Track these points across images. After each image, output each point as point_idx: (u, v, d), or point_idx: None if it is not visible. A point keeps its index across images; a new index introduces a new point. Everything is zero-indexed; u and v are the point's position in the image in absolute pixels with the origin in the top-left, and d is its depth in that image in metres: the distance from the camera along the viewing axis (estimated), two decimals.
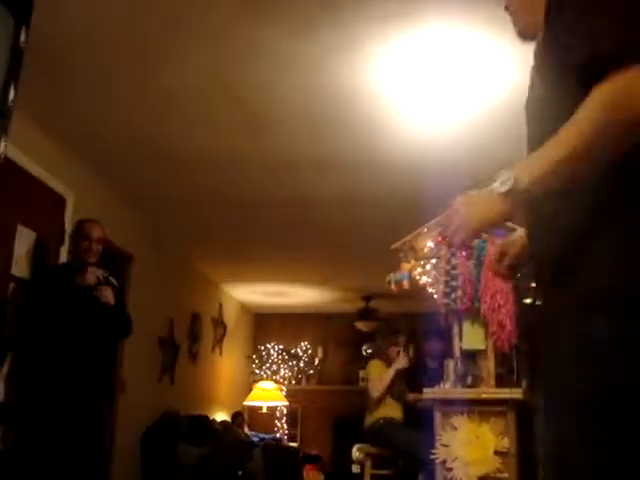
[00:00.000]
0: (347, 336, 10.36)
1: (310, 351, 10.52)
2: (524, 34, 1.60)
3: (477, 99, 4.01)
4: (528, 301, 4.95)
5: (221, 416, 8.46)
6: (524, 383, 4.48)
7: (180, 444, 6.30)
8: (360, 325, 9.64)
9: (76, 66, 3.77)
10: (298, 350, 10.49)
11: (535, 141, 1.36)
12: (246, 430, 8.41)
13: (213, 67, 3.78)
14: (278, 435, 9.25)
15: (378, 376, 5.55)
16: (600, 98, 1.18)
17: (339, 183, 5.26)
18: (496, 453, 3.94)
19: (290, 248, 7.30)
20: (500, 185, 1.29)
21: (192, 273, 8.06)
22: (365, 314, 9.56)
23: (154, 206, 6.08)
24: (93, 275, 4.08)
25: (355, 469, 8.01)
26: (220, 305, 9.13)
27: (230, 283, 9.05)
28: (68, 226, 4.79)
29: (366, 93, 3.99)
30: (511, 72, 3.67)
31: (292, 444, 9.05)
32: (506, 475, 3.98)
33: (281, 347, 10.47)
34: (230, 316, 9.54)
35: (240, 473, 6.06)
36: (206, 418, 7.18)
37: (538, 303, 4.28)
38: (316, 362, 10.53)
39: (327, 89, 3.96)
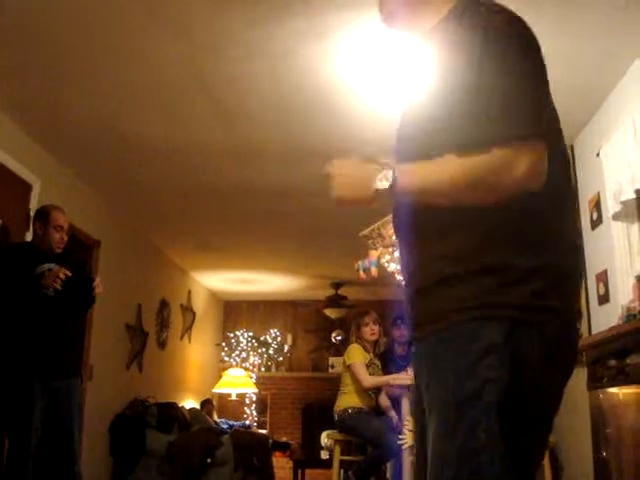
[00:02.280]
0: (316, 323, 10.39)
1: (279, 338, 10.53)
2: (390, 21, 1.65)
3: None
4: None
5: (190, 403, 8.45)
6: None
7: (149, 431, 6.28)
8: (329, 312, 9.67)
9: (45, 54, 3.72)
10: (267, 337, 10.49)
11: (405, 138, 1.51)
12: (215, 417, 8.40)
13: (182, 56, 3.76)
14: (247, 422, 9.25)
15: (362, 362, 5.48)
16: (489, 161, 1.29)
17: (308, 172, 5.25)
18: None
19: (259, 236, 7.28)
20: (381, 181, 1.39)
21: (160, 259, 8.01)
22: (334, 301, 9.58)
23: (122, 193, 6.03)
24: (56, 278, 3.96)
25: (324, 455, 8.07)
26: (189, 292, 9.09)
27: (199, 270, 9.02)
28: (34, 213, 4.73)
29: (337, 81, 3.99)
30: None
31: (261, 431, 9.06)
32: None
33: (250, 334, 10.46)
34: (199, 303, 9.51)
35: (209, 460, 6.05)
36: (175, 405, 7.16)
37: None
38: (285, 349, 10.54)
39: (297, 78, 3.95)
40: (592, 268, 4.36)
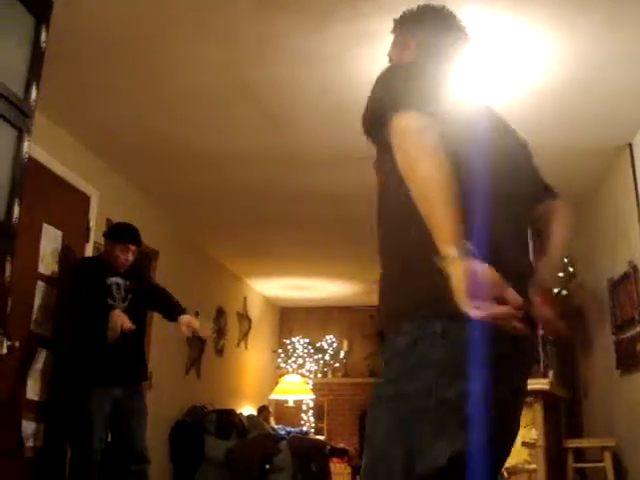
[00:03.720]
0: (372, 328, 10.34)
1: (335, 344, 10.52)
2: None
3: (505, 87, 3.95)
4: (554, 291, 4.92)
5: (248, 410, 8.50)
6: (551, 374, 4.45)
7: (207, 437, 6.34)
8: None
9: (96, 65, 3.80)
10: (323, 343, 10.50)
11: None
12: (272, 423, 8.44)
13: (229, 64, 3.79)
14: (305, 428, 9.27)
15: None
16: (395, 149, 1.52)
17: (363, 177, 5.21)
18: (524, 444, 3.93)
19: (313, 242, 7.30)
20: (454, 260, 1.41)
21: (216, 268, 8.09)
22: None
23: (177, 202, 6.12)
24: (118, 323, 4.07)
25: None
26: (245, 299, 9.16)
27: (254, 277, 9.08)
28: (93, 224, 4.85)
29: None
30: (545, 56, 3.63)
31: (319, 437, 9.06)
32: (534, 466, 3.97)
33: (306, 341, 10.49)
34: (255, 310, 9.57)
35: (267, 467, 6.08)
36: (233, 412, 7.21)
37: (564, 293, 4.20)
38: (342, 355, 10.52)
39: (345, 83, 3.94)
40: None
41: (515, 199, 1.70)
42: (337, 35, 3.49)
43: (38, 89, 2.60)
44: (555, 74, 3.80)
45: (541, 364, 4.52)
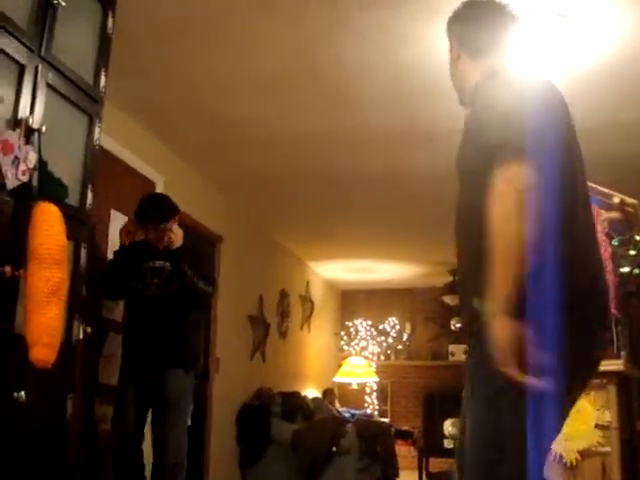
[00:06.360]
0: (434, 311, 10.27)
1: (398, 327, 10.48)
2: (461, 100, 2.20)
3: (576, 58, 3.81)
4: (626, 269, 4.78)
5: (312, 392, 8.54)
6: (624, 354, 4.34)
7: (274, 420, 6.40)
8: (448, 299, 9.52)
9: (161, 51, 3.82)
10: (386, 326, 10.47)
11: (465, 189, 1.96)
12: (337, 406, 8.46)
13: (295, 45, 3.76)
14: (369, 411, 9.27)
15: None
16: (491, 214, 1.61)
17: (430, 156, 5.15)
18: (597, 427, 3.84)
19: (375, 224, 7.25)
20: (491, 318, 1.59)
21: (279, 251, 8.12)
22: (452, 288, 9.42)
23: (241, 187, 6.14)
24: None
25: (448, 444, 7.96)
26: (307, 282, 9.18)
27: (316, 260, 9.08)
28: None
29: None
30: (618, 28, 3.50)
31: (383, 420, 9.05)
32: (608, 449, 3.88)
33: (369, 323, 10.47)
34: (317, 293, 9.60)
35: (334, 449, 6.10)
36: (298, 394, 7.25)
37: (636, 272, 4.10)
38: (404, 338, 10.48)
39: (414, 59, 3.87)
40: None
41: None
42: (403, 14, 3.41)
43: (107, 75, 2.63)
44: (622, 49, 3.65)
45: (614, 345, 4.40)
